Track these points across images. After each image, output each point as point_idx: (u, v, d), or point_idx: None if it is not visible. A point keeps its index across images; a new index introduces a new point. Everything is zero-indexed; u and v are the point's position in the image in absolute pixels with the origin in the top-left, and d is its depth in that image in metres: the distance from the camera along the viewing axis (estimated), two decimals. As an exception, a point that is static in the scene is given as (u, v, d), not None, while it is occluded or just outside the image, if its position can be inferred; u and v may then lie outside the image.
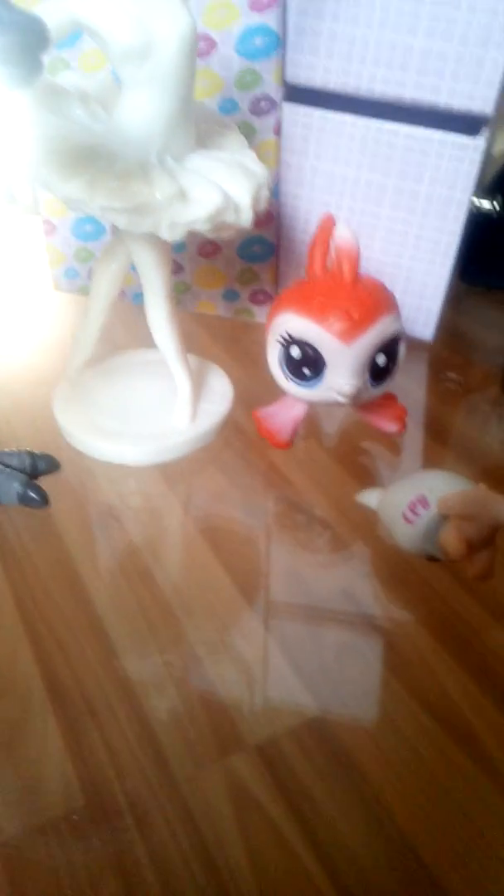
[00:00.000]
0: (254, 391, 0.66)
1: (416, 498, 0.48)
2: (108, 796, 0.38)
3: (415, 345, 0.76)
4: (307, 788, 0.39)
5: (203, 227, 0.48)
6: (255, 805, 0.38)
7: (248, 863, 0.36)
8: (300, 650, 0.46)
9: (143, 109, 0.49)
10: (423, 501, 0.48)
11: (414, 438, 0.66)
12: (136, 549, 0.53)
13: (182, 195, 0.47)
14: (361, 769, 0.40)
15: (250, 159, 0.54)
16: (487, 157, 0.79)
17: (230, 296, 0.79)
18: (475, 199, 0.75)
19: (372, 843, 0.37)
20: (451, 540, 0.45)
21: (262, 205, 0.52)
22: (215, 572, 0.51)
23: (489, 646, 0.47)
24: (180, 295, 0.80)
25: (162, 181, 0.47)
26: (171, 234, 0.48)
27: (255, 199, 0.51)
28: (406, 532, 0.49)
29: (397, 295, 0.59)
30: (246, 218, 0.50)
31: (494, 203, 0.74)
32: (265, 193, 0.52)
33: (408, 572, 0.52)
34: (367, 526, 0.55)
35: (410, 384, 0.73)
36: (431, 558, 0.50)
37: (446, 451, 0.65)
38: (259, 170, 0.53)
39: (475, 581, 0.47)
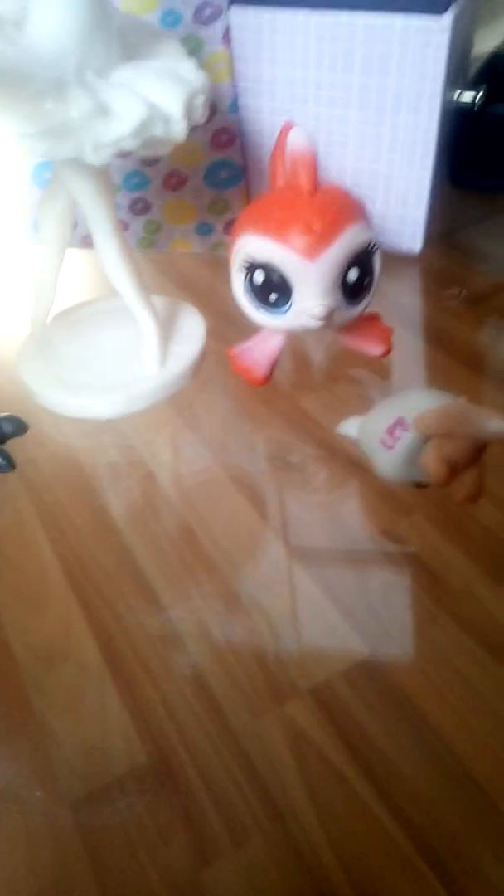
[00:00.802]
0: (235, 328, 0.61)
1: (394, 421, 0.44)
2: (169, 751, 0.38)
3: (403, 259, 0.71)
4: (363, 728, 0.38)
5: (131, 145, 0.44)
6: (312, 748, 0.38)
7: (310, 805, 0.35)
8: (343, 591, 0.44)
9: (54, 23, 0.44)
10: (403, 423, 0.44)
11: (408, 360, 0.61)
12: (152, 500, 0.51)
13: (102, 111, 0.43)
14: (416, 705, 0.39)
15: (186, 68, 0.49)
16: (466, 48, 0.72)
17: (203, 229, 0.74)
18: (460, 93, 0.68)
19: (431, 776, 0.36)
20: (432, 462, 0.41)
21: (199, 114, 0.47)
22: (240, 514, 0.49)
23: None
24: (152, 236, 0.75)
25: (78, 98, 0.43)
26: (98, 157, 0.44)
27: (189, 108, 0.46)
28: (386, 459, 0.45)
29: (377, 205, 0.54)
30: (178, 129, 0.45)
31: (476, 97, 0.67)
32: (200, 101, 0.47)
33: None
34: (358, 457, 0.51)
35: (403, 300, 0.68)
36: (419, 485, 0.46)
37: (448, 371, 0.60)
38: (193, 77, 0.48)
39: (464, 504, 0.43)
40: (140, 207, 0.72)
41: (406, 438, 0.43)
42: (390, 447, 0.44)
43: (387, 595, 0.44)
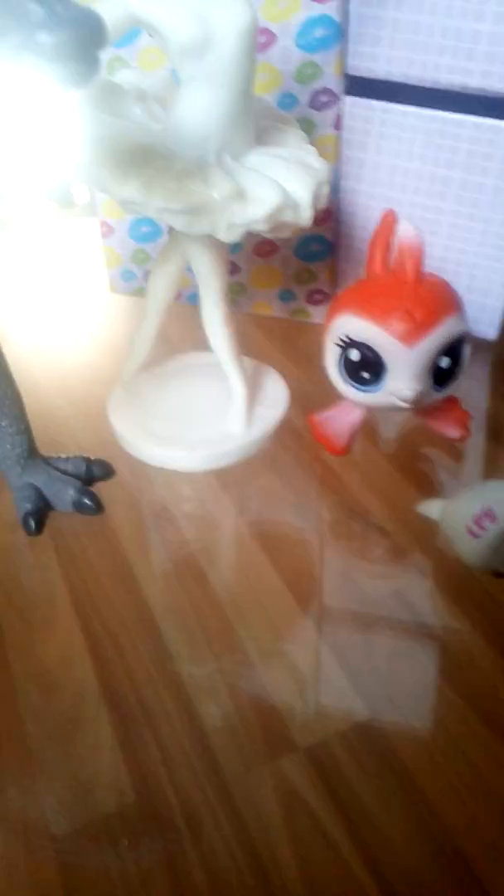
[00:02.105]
0: (311, 394, 0.64)
1: (482, 511, 0.46)
2: (159, 795, 0.38)
3: (478, 344, 0.73)
4: (355, 791, 0.38)
5: (261, 227, 0.47)
6: (303, 806, 0.38)
7: (295, 864, 0.36)
8: (353, 655, 0.45)
9: (201, 107, 0.48)
10: (490, 515, 0.45)
11: (477, 445, 0.63)
12: (191, 554, 0.52)
13: (240, 194, 0.46)
14: (411, 773, 0.39)
15: (311, 155, 0.52)
16: None
17: (286, 296, 0.77)
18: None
19: (419, 846, 0.36)
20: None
21: (323, 202, 0.50)
22: (270, 577, 0.50)
23: None
24: (235, 296, 0.78)
25: (220, 180, 0.46)
26: (229, 235, 0.47)
27: (316, 197, 0.49)
28: (472, 546, 0.46)
29: (460, 293, 0.56)
30: (306, 216, 0.48)
31: None
32: (325, 190, 0.50)
33: (469, 584, 0.49)
34: (426, 536, 0.52)
35: (474, 386, 0.70)
36: (499, 574, 0.48)
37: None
38: (320, 166, 0.51)
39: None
40: (229, 269, 0.75)
41: (493, 529, 0.45)
42: (477, 535, 0.46)
43: (393, 661, 0.45)
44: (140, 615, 0.48)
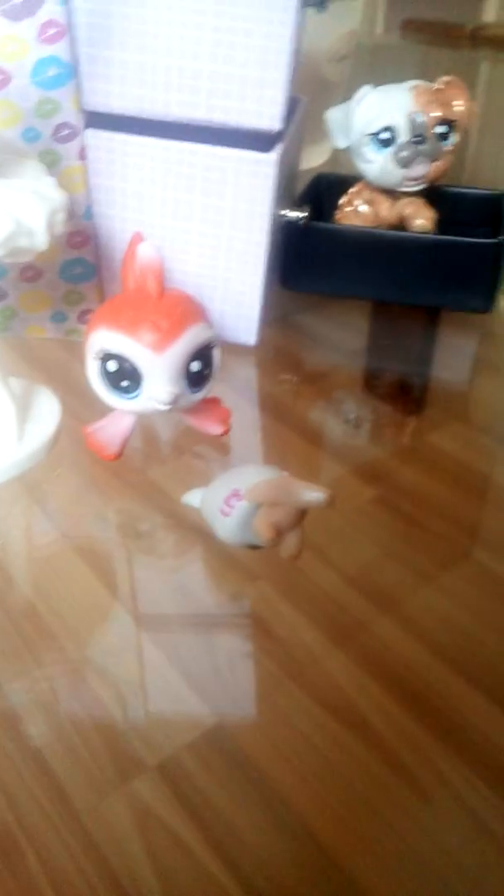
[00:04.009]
0: (90, 408, 0.67)
1: (230, 492, 0.52)
2: (5, 838, 0.37)
3: (240, 350, 0.80)
4: (211, 800, 0.39)
5: (-1, 253, 0.50)
6: (160, 826, 0.38)
7: (158, 884, 0.36)
8: (189, 660, 0.46)
9: None
10: (237, 494, 0.51)
11: (245, 436, 0.70)
12: None
13: (-27, 223, 0.49)
14: (262, 772, 0.41)
15: (47, 185, 0.56)
16: (293, 171, 0.85)
17: (58, 317, 0.80)
18: (287, 211, 0.80)
19: (277, 840, 0.38)
20: (262, 525, 0.49)
21: (59, 228, 0.54)
22: (87, 586, 0.52)
23: (377, 634, 0.49)
24: (8, 321, 0.80)
25: (-49, 211, 0.48)
26: (-32, 262, 0.49)
27: (51, 224, 0.53)
28: (224, 525, 0.52)
29: (216, 305, 0.63)
30: (41, 241, 0.52)
31: (302, 215, 0.79)
32: (61, 217, 0.54)
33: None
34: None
35: (243, 383, 0.77)
36: (252, 547, 0.54)
37: (285, 444, 0.69)
38: (55, 195, 0.55)
39: (289, 561, 0.51)
40: (-2, 296, 0.78)
41: (240, 507, 0.51)
42: (227, 514, 0.51)
43: (232, 661, 0.47)
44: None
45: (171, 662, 0.46)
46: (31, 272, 0.77)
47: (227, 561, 0.55)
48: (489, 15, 1.66)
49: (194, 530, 0.57)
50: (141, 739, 0.42)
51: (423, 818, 0.39)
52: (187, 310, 0.60)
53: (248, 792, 0.40)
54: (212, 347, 0.62)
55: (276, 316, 0.85)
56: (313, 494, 0.48)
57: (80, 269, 0.77)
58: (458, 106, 0.80)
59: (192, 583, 0.54)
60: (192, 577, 0.54)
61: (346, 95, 0.82)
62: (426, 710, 0.44)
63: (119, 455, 0.64)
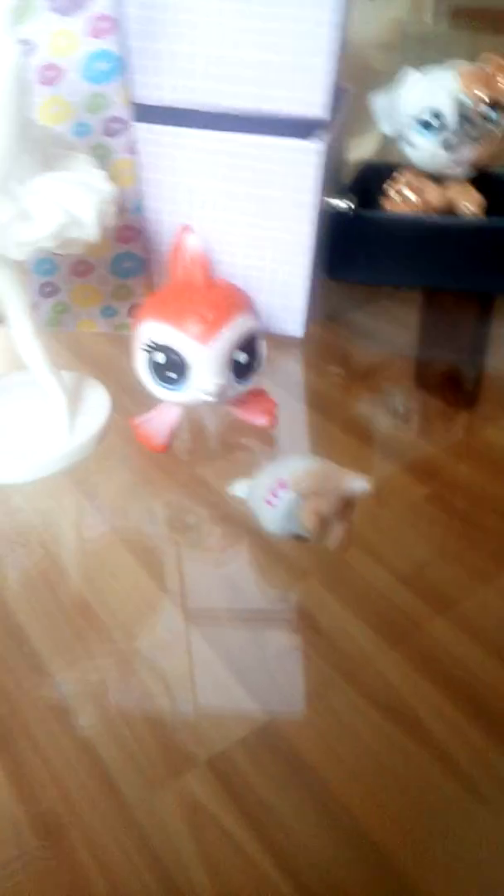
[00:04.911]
0: (139, 403, 0.67)
1: (276, 483, 0.51)
2: (59, 830, 0.38)
3: (286, 341, 0.80)
4: (261, 796, 0.39)
5: (49, 244, 0.51)
6: (211, 820, 0.38)
7: (208, 879, 0.36)
8: (238, 655, 0.46)
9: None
10: (283, 484, 0.51)
11: (291, 428, 0.69)
12: (50, 566, 0.53)
13: (24, 216, 0.50)
14: (313, 769, 0.40)
15: (97, 178, 0.57)
16: (339, 161, 0.84)
17: (108, 312, 0.81)
18: (332, 200, 0.79)
19: (328, 839, 0.37)
20: (305, 515, 0.49)
21: (109, 220, 0.55)
22: (136, 581, 0.52)
23: (431, 634, 0.48)
24: (59, 315, 0.82)
25: (3, 205, 0.49)
26: (19, 253, 0.50)
27: (101, 215, 0.53)
28: (269, 515, 0.52)
29: (262, 296, 0.62)
30: (91, 232, 0.52)
31: (349, 204, 0.78)
32: (111, 209, 0.54)
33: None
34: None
35: (290, 376, 0.76)
36: (298, 538, 0.53)
37: (330, 437, 0.68)
38: (105, 187, 0.56)
39: (336, 553, 0.51)
40: (49, 290, 0.79)
41: (285, 497, 0.51)
42: (273, 505, 0.51)
43: (282, 657, 0.46)
44: (16, 645, 0.47)
45: (220, 657, 0.46)
46: (82, 267, 0.78)
47: (275, 555, 0.55)
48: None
49: (241, 524, 0.57)
50: (191, 734, 0.42)
51: (480, 820, 0.38)
52: (233, 301, 0.60)
53: (299, 790, 0.39)
54: (256, 338, 0.62)
55: (324, 314, 0.85)
56: (356, 482, 0.48)
57: (129, 264, 0.78)
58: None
59: (240, 577, 0.53)
60: (239, 571, 0.54)
61: (392, 83, 0.81)
62: (482, 711, 0.43)
63: (166, 446, 0.65)
